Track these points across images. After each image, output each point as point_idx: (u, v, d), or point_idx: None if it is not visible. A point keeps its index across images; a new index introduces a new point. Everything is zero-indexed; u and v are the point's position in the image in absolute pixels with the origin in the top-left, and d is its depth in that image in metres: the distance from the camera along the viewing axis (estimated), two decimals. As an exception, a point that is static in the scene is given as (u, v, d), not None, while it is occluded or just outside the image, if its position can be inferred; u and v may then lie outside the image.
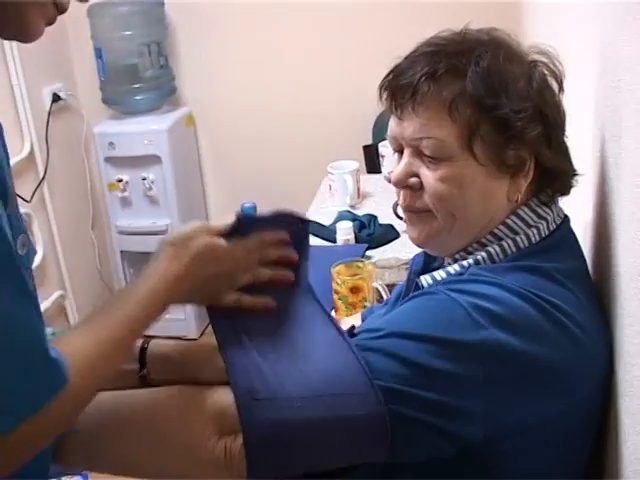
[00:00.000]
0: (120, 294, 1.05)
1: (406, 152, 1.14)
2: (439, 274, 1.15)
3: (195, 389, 1.05)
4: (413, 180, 1.13)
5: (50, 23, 0.96)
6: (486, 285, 1.04)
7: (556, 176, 1.13)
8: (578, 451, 1.11)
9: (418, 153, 1.12)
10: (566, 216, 1.18)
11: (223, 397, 1.01)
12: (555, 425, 1.04)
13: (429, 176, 1.11)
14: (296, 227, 1.18)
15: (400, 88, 1.11)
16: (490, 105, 1.06)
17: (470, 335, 0.99)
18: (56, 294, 3.65)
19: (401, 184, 1.15)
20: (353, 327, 1.12)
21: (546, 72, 1.13)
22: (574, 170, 1.17)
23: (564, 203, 1.20)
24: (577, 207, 1.30)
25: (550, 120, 1.10)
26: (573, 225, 1.19)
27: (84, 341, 0.92)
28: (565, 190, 1.17)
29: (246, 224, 1.14)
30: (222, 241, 1.11)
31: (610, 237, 1.11)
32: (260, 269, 1.14)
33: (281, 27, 3.65)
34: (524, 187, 1.11)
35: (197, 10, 3.68)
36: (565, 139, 1.15)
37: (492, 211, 1.12)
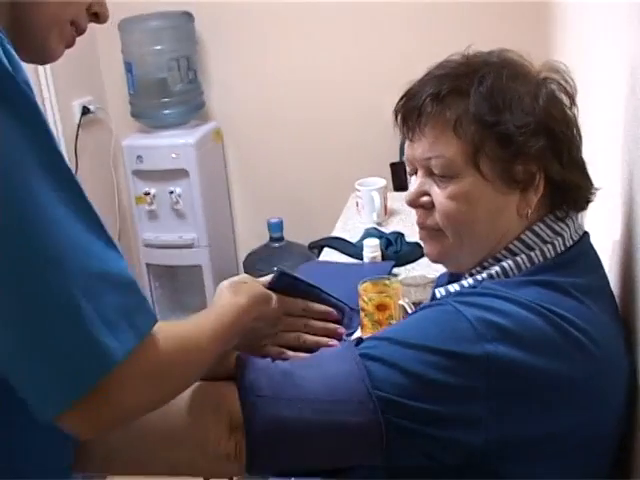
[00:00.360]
0: (192, 319, 1.06)
1: (419, 172, 1.17)
2: (453, 287, 1.17)
3: (206, 384, 1.06)
4: (425, 199, 1.17)
5: (69, 46, 1.01)
6: (495, 298, 1.04)
7: (570, 191, 1.13)
8: (594, 466, 1.09)
9: (429, 173, 1.15)
10: (585, 232, 1.17)
11: (233, 393, 1.03)
12: (567, 439, 1.03)
13: (439, 194, 1.14)
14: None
15: (409, 111, 1.16)
16: (493, 122, 1.09)
17: (473, 348, 0.99)
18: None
19: (414, 203, 1.19)
20: (361, 339, 1.13)
21: (555, 88, 1.14)
22: (591, 185, 1.16)
23: (590, 219, 1.19)
24: (604, 224, 1.29)
25: (558, 134, 1.11)
26: (599, 241, 1.18)
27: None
28: (581, 206, 1.17)
29: (285, 281, 1.24)
30: (272, 293, 1.19)
31: (635, 254, 1.11)
32: (306, 335, 1.25)
33: (311, 44, 3.66)
34: (534, 202, 1.12)
35: (226, 25, 3.70)
36: (580, 154, 1.16)
37: (503, 226, 1.13)
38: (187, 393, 1.05)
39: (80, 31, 1.01)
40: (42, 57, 1.00)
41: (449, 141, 1.11)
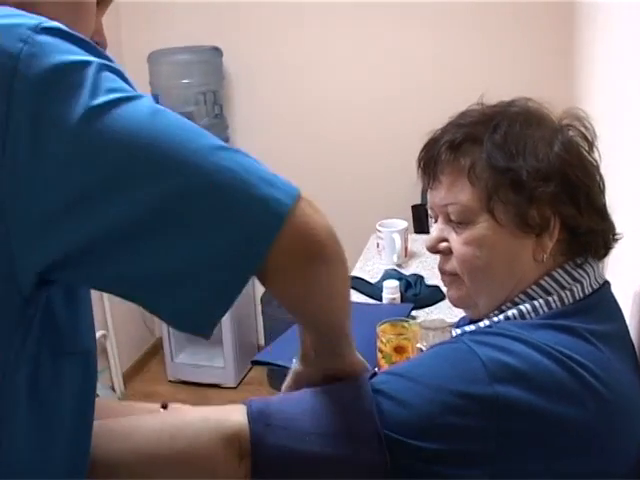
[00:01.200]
0: None
1: (439, 219, 1.20)
2: (469, 327, 1.17)
3: (215, 409, 1.07)
4: (443, 245, 1.19)
5: None
6: (510, 339, 1.04)
7: (588, 236, 1.13)
8: None
9: (448, 219, 1.18)
10: (606, 281, 1.17)
11: (241, 418, 1.03)
12: None
13: (455, 240, 1.16)
14: None
15: (427, 159, 1.19)
16: (506, 168, 1.10)
17: (484, 389, 0.98)
18: (98, 334, 3.66)
19: (433, 249, 1.21)
20: (375, 373, 1.12)
21: (573, 134, 1.15)
22: (612, 231, 1.17)
23: (612, 268, 1.18)
24: (627, 273, 1.28)
25: (573, 180, 1.11)
26: (620, 290, 1.18)
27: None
28: (600, 252, 1.17)
29: None
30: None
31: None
32: None
33: (334, 85, 3.69)
34: (549, 247, 1.12)
35: (254, 62, 3.74)
36: (601, 200, 1.15)
37: (519, 271, 1.14)
38: (196, 417, 1.06)
39: None
40: None
41: (464, 188, 1.13)
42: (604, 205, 1.16)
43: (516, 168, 1.10)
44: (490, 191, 1.11)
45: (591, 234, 1.13)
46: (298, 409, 1.04)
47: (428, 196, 1.22)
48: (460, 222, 1.15)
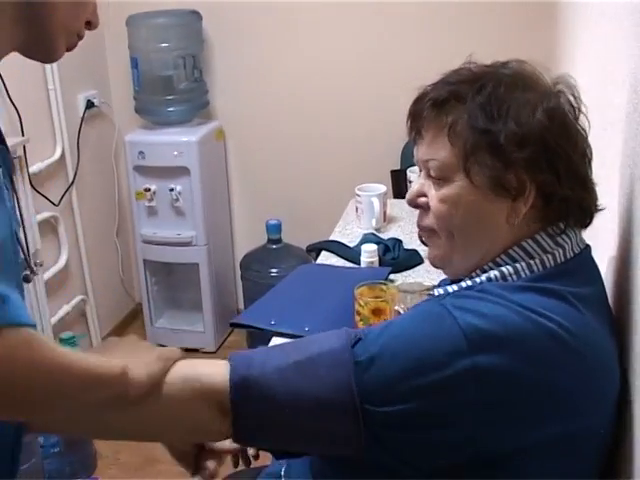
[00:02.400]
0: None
1: (422, 174, 1.22)
2: (451, 287, 1.18)
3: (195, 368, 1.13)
4: (422, 200, 1.21)
5: (70, 49, 1.13)
6: (491, 304, 1.05)
7: (566, 205, 1.13)
8: (587, 467, 1.11)
9: (429, 175, 1.19)
10: (587, 245, 1.18)
11: (219, 377, 1.09)
12: (558, 443, 1.04)
13: (433, 196, 1.18)
14: None
15: (414, 114, 1.21)
16: (485, 129, 1.11)
17: (462, 362, 0.99)
18: (77, 298, 3.68)
19: (412, 203, 1.23)
20: (360, 339, 1.12)
21: (562, 101, 1.15)
22: (593, 202, 1.17)
23: (588, 234, 1.19)
24: (601, 239, 1.30)
25: (553, 147, 1.11)
26: (599, 255, 1.19)
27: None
28: (584, 221, 1.17)
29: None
30: None
31: (631, 269, 1.13)
32: None
33: (316, 51, 3.68)
34: (522, 212, 1.13)
35: (234, 26, 3.71)
36: (584, 169, 1.16)
37: (493, 233, 1.15)
38: (175, 378, 1.09)
39: (80, 37, 1.13)
40: (46, 58, 1.14)
41: (444, 145, 1.15)
42: (587, 174, 1.16)
43: (495, 131, 1.10)
44: (467, 151, 1.12)
45: (568, 202, 1.13)
46: (277, 378, 1.06)
47: (414, 150, 1.24)
48: (439, 178, 1.16)
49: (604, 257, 1.32)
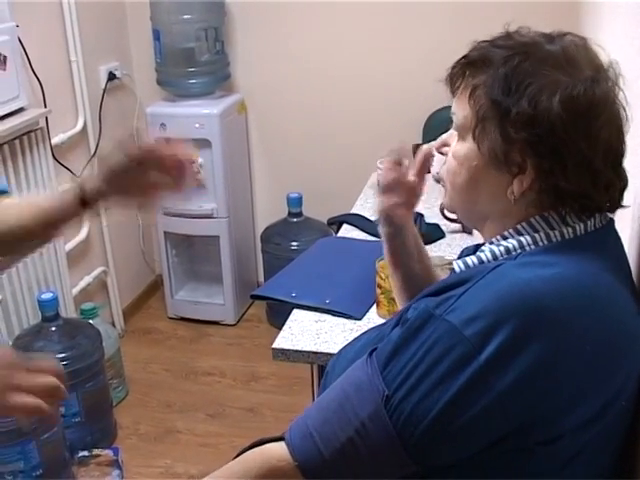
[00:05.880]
0: None
1: (453, 125, 1.23)
2: (471, 260, 1.18)
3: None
4: (445, 149, 1.26)
5: None
6: (498, 293, 1.02)
7: (567, 196, 1.10)
8: (610, 453, 1.11)
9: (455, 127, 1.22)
10: (611, 219, 1.16)
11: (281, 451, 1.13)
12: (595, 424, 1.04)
13: (451, 149, 1.22)
14: None
15: (453, 67, 1.21)
16: (498, 101, 1.10)
17: (473, 369, 0.99)
18: (99, 270, 3.70)
19: (437, 148, 1.29)
20: (375, 349, 1.13)
21: (596, 92, 1.08)
22: (603, 201, 1.13)
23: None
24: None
25: (560, 134, 1.06)
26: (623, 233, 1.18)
27: None
28: (579, 215, 1.12)
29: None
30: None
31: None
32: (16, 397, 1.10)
33: (338, 24, 3.66)
34: (519, 191, 1.11)
35: (256, -2, 3.70)
36: (595, 165, 1.09)
37: (489, 200, 1.16)
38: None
39: None
40: None
41: (464, 105, 1.16)
42: (602, 171, 1.09)
43: (507, 105, 1.09)
44: (478, 117, 1.13)
45: (568, 194, 1.10)
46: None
47: None
48: (458, 133, 1.19)
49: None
